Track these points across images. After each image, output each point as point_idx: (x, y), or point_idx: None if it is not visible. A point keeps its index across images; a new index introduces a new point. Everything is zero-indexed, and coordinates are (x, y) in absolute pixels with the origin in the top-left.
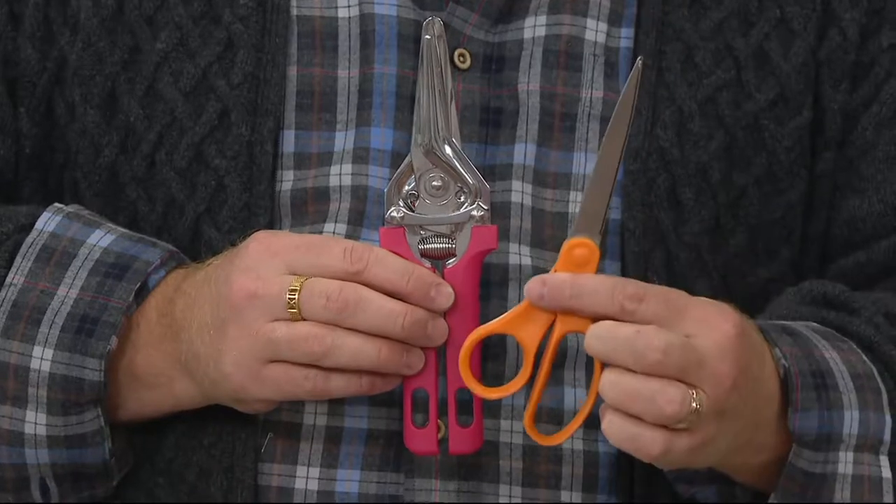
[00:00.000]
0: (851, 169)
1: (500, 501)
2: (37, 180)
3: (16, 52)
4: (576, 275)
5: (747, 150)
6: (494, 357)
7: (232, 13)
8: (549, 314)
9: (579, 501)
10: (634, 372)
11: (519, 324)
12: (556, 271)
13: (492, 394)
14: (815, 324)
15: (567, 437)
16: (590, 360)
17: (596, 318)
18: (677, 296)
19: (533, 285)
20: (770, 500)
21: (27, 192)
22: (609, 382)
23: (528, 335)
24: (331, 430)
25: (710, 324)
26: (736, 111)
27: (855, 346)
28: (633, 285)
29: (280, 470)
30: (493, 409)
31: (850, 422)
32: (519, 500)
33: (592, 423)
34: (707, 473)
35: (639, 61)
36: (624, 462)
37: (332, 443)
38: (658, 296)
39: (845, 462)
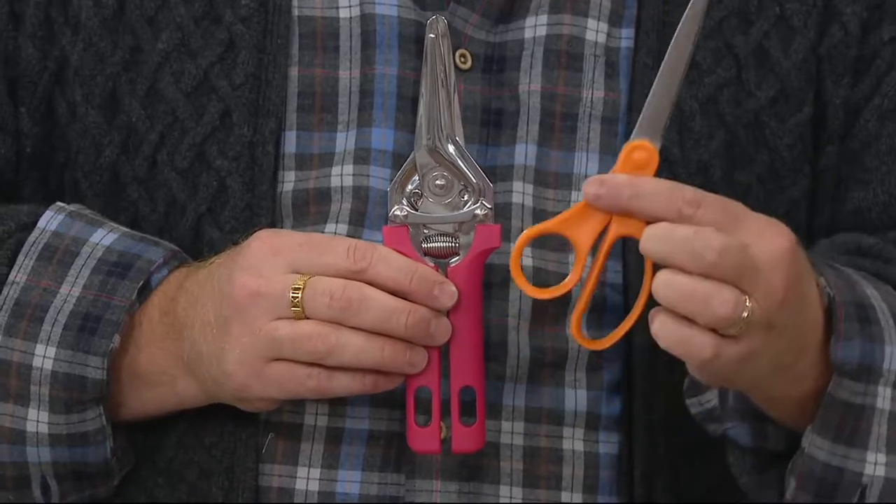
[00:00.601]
0: (855, 161)
1: (501, 502)
2: (37, 180)
3: (17, 52)
4: (634, 176)
5: (749, 148)
6: (495, 358)
7: (233, 14)
8: (605, 215)
9: (580, 502)
10: (689, 273)
11: (573, 224)
12: (614, 172)
13: (542, 294)
14: (852, 269)
15: (615, 340)
16: (590, 362)
17: (652, 222)
18: (734, 205)
19: (590, 185)
20: (807, 432)
21: (28, 191)
22: (663, 282)
23: (582, 235)
24: (332, 431)
25: (766, 235)
26: (737, 109)
27: (893, 290)
28: (691, 191)
29: (281, 470)
30: (493, 409)
31: (891, 357)
32: (519, 501)
33: (593, 424)
34: (739, 410)
35: None
36: (624, 463)
37: (332, 443)
38: (716, 203)
39: (884, 397)
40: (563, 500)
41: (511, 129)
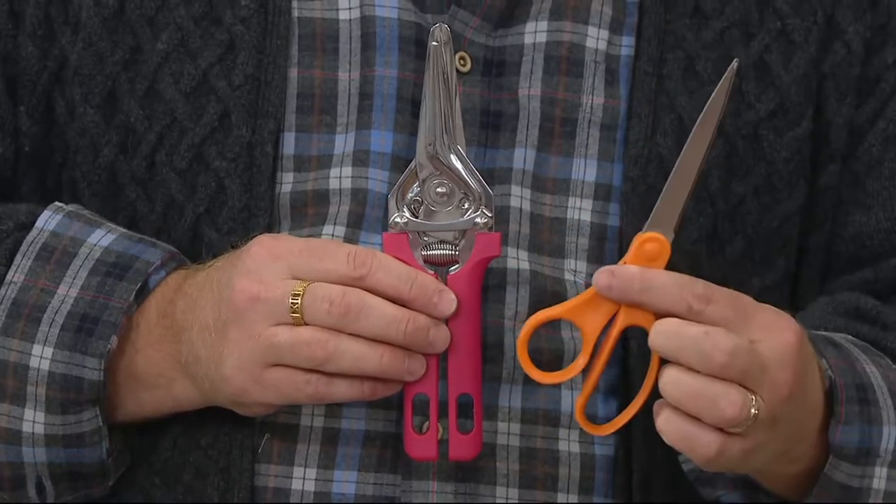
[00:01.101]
0: (857, 185)
1: (497, 503)
2: (35, 179)
3: (16, 51)
4: (646, 269)
5: (746, 160)
6: (492, 359)
7: (233, 14)
8: (613, 305)
9: (576, 503)
10: (696, 372)
11: (582, 311)
12: (625, 263)
13: (548, 378)
14: (851, 336)
15: (619, 427)
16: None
17: (661, 314)
18: (744, 301)
19: (602, 276)
20: None
21: (25, 190)
22: (671, 380)
23: (590, 323)
24: (328, 432)
25: (774, 331)
26: (736, 121)
27: (890, 363)
28: (702, 286)
29: (277, 471)
30: (490, 411)
31: (888, 438)
32: (516, 502)
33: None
34: (733, 478)
35: (734, 63)
36: (621, 464)
37: (329, 444)
38: (726, 298)
39: (880, 477)
40: (559, 502)
41: (510, 133)
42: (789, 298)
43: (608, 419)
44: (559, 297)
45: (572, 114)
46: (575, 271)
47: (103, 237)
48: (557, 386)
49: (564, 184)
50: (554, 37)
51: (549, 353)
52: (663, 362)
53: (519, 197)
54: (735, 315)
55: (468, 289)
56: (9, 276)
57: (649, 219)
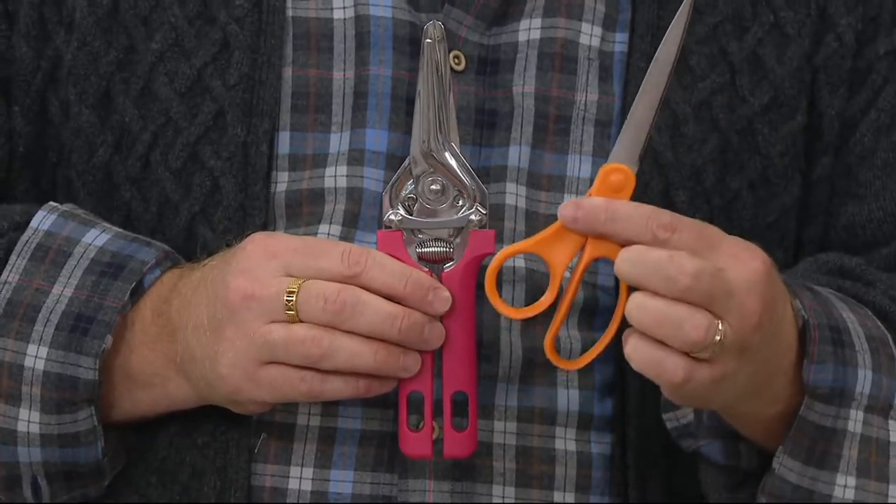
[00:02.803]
0: (850, 175)
1: (494, 502)
2: (30, 179)
3: (10, 51)
4: (611, 200)
5: (741, 154)
6: (487, 358)
7: (227, 14)
8: (580, 238)
9: (572, 502)
10: (662, 297)
11: (548, 245)
12: (591, 195)
13: (518, 314)
14: (832, 290)
15: (588, 361)
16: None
17: (627, 245)
18: (710, 230)
19: (567, 208)
20: (778, 452)
21: (20, 190)
22: (636, 305)
23: (557, 257)
24: (324, 431)
25: (741, 259)
26: (730, 115)
27: (871, 313)
28: (667, 215)
29: (273, 470)
30: (486, 410)
31: (864, 381)
32: (512, 501)
33: (585, 424)
34: (713, 428)
35: None
36: (617, 463)
37: (325, 443)
38: (691, 227)
39: (855, 420)
40: (556, 500)
41: (504, 131)
42: None
43: (604, 416)
44: None
45: (566, 111)
46: (570, 268)
47: (98, 237)
48: (554, 384)
49: (559, 181)
50: (548, 34)
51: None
52: (632, 292)
53: (514, 195)
54: (701, 243)
55: (463, 286)
56: (3, 276)
57: (613, 150)
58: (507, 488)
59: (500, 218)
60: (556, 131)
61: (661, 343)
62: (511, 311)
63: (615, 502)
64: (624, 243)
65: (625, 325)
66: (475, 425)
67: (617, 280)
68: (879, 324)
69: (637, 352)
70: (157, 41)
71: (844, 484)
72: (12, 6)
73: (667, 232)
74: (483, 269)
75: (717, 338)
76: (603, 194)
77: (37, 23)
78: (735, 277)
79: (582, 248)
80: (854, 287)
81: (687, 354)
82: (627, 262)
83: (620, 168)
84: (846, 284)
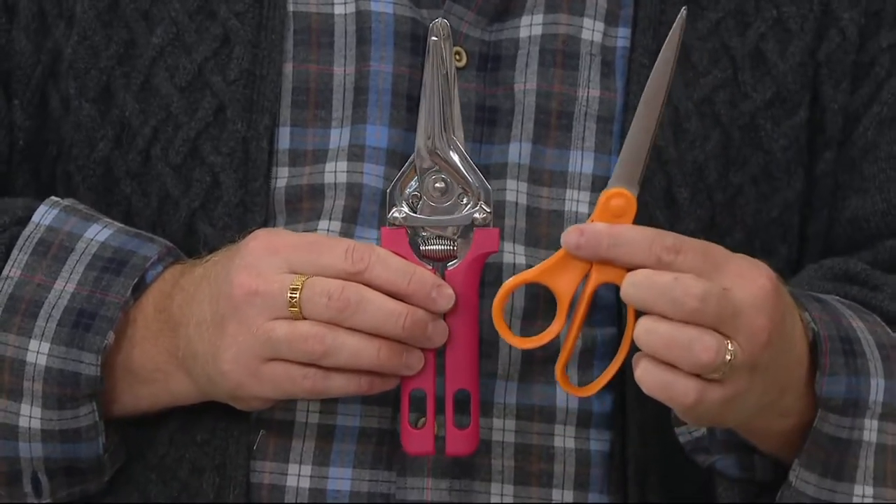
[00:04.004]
0: (854, 169)
1: (492, 500)
2: (30, 173)
3: (10, 44)
4: (613, 225)
5: (744, 150)
6: (487, 355)
7: (228, 9)
8: (585, 264)
9: (571, 500)
10: (670, 320)
11: (554, 273)
12: (593, 220)
13: (525, 343)
14: (839, 297)
15: (599, 388)
16: (582, 360)
17: (632, 269)
18: (715, 250)
19: (570, 235)
20: (794, 465)
21: (20, 184)
22: (644, 329)
23: (563, 284)
24: (323, 428)
25: (747, 277)
26: (732, 111)
27: (879, 319)
28: (671, 237)
29: (272, 467)
30: (485, 407)
31: (876, 389)
32: (511, 499)
33: (584, 421)
34: (727, 442)
35: (683, 10)
36: (616, 461)
37: (324, 440)
38: (696, 248)
39: (870, 430)
40: (555, 498)
41: (506, 128)
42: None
43: (603, 414)
44: None
45: (568, 107)
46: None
47: (100, 232)
48: (553, 382)
49: (561, 177)
50: (549, 29)
51: (545, 349)
52: (639, 316)
53: (515, 191)
54: (706, 264)
55: (466, 284)
56: (5, 272)
57: (613, 174)
58: (506, 486)
59: (501, 215)
60: (557, 127)
61: (671, 366)
62: (518, 341)
63: (614, 500)
64: (629, 268)
65: (634, 348)
66: (477, 423)
67: (617, 305)
68: (888, 330)
69: (647, 376)
70: (157, 36)
71: (862, 494)
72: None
73: (671, 254)
74: (485, 267)
75: (728, 358)
76: (604, 219)
77: (37, 16)
78: (742, 297)
79: (587, 275)
80: (861, 292)
81: (697, 376)
82: (634, 286)
83: (621, 192)
84: (852, 290)
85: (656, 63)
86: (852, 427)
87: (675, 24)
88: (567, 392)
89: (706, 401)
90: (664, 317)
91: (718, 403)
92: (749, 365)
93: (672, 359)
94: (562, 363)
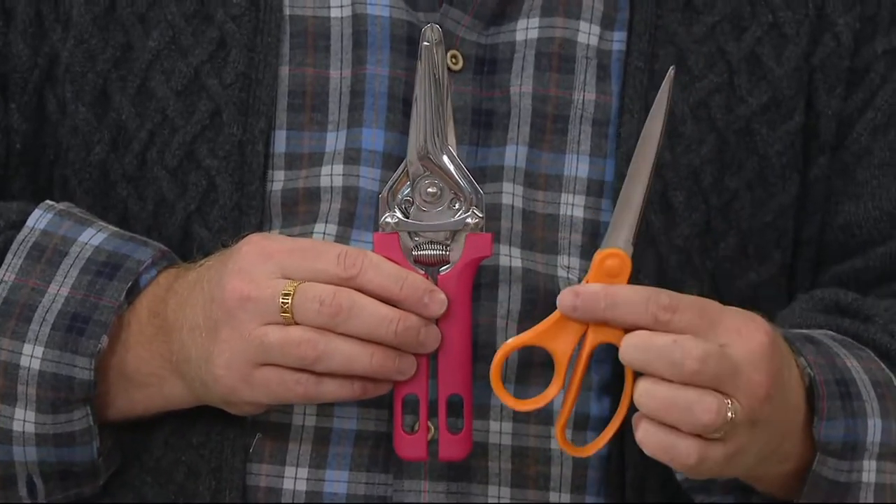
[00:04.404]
0: (847, 174)
1: (489, 502)
2: (26, 177)
3: (7, 48)
4: (609, 286)
5: (739, 154)
6: (484, 358)
7: (224, 12)
8: (581, 325)
9: (568, 502)
10: (669, 381)
11: (551, 335)
12: (587, 282)
13: (523, 406)
14: (831, 332)
15: (599, 448)
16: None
17: (629, 329)
18: (711, 306)
19: (566, 297)
20: None
21: (16, 188)
22: (644, 392)
23: (560, 346)
24: (319, 431)
25: (744, 334)
26: (728, 115)
27: (873, 355)
28: (666, 296)
29: (268, 470)
30: (482, 410)
31: (874, 430)
32: (508, 501)
33: (582, 424)
34: (725, 482)
35: (671, 69)
36: (614, 463)
37: (320, 443)
38: (692, 306)
39: (869, 471)
40: (552, 500)
41: (501, 131)
42: (786, 291)
43: (601, 417)
44: (552, 295)
45: (564, 110)
46: (568, 268)
47: (94, 236)
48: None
49: (557, 180)
50: (545, 33)
51: (541, 352)
52: (637, 376)
53: (511, 194)
54: (702, 321)
55: (459, 289)
56: (0, 275)
57: (607, 234)
58: (503, 489)
59: (497, 218)
60: (553, 131)
61: (672, 427)
62: (516, 404)
63: (611, 502)
64: (626, 328)
65: (634, 407)
66: (470, 428)
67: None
68: (882, 365)
69: (648, 437)
70: (153, 39)
71: None
72: (9, 3)
73: (667, 313)
74: (481, 270)
75: (729, 416)
76: (599, 280)
77: (34, 20)
78: (740, 354)
79: (584, 336)
80: (853, 325)
81: (699, 436)
82: (632, 348)
83: (616, 253)
84: (844, 323)
85: (646, 122)
86: (850, 470)
87: (663, 83)
88: (568, 453)
89: (709, 460)
90: (663, 378)
91: (721, 461)
92: (750, 421)
93: (673, 421)
94: (561, 425)
